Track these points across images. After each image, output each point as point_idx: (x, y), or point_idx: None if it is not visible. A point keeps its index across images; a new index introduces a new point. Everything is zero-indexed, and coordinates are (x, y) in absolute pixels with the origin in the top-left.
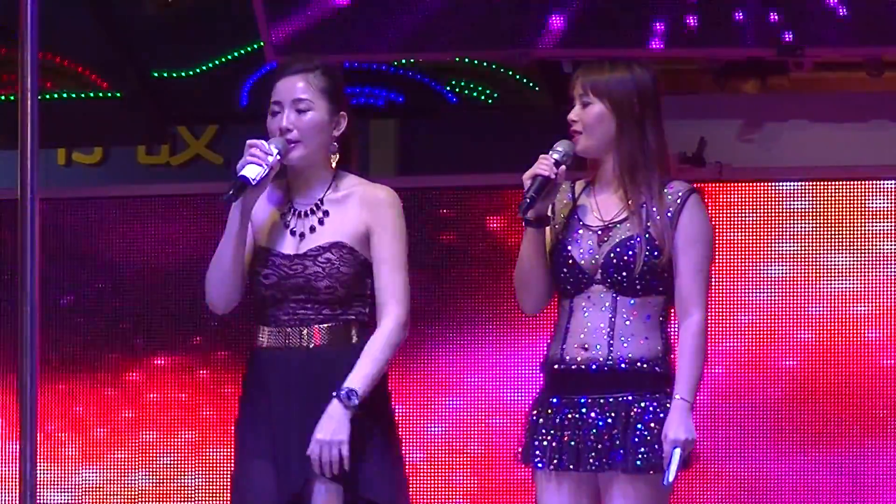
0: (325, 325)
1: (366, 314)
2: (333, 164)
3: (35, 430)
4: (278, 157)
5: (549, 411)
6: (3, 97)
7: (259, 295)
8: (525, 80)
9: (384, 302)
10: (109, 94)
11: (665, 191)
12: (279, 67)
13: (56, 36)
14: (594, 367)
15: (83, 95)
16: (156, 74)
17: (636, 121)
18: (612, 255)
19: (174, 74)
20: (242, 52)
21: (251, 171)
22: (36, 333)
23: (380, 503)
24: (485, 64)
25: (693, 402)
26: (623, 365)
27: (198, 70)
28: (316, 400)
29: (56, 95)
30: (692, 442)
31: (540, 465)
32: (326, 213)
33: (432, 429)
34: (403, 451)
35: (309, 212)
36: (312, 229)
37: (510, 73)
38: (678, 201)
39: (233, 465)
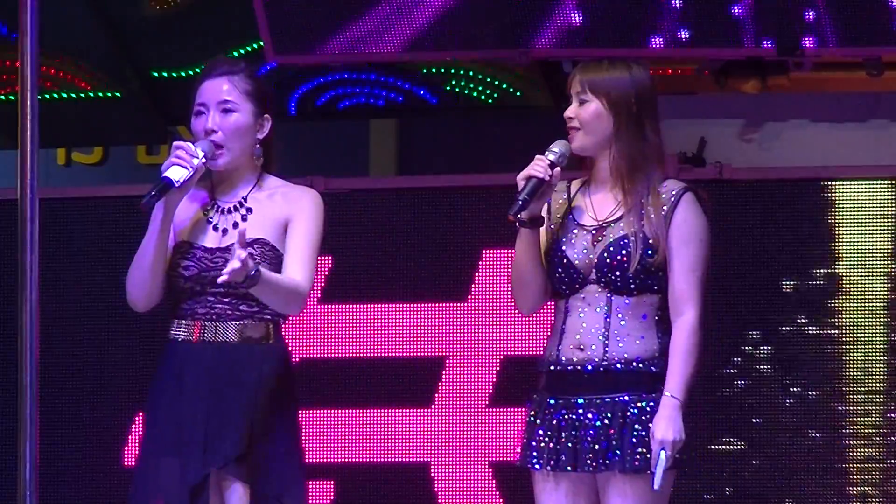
0: (241, 322)
1: (281, 316)
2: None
3: (35, 430)
4: (204, 159)
5: (546, 412)
6: (3, 97)
7: (178, 287)
8: (525, 80)
9: (294, 272)
10: (109, 94)
11: (659, 189)
12: (204, 69)
13: (56, 36)
14: (590, 367)
15: (83, 95)
16: (156, 74)
17: (634, 119)
18: (605, 254)
19: (174, 74)
20: (242, 52)
21: (175, 173)
22: (36, 333)
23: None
24: (485, 64)
25: (684, 401)
26: (619, 365)
27: (198, 70)
28: (223, 396)
29: (56, 95)
30: (681, 442)
31: (538, 465)
32: (249, 209)
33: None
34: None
35: (232, 208)
36: (235, 225)
37: (510, 73)
38: (672, 199)
39: (137, 454)
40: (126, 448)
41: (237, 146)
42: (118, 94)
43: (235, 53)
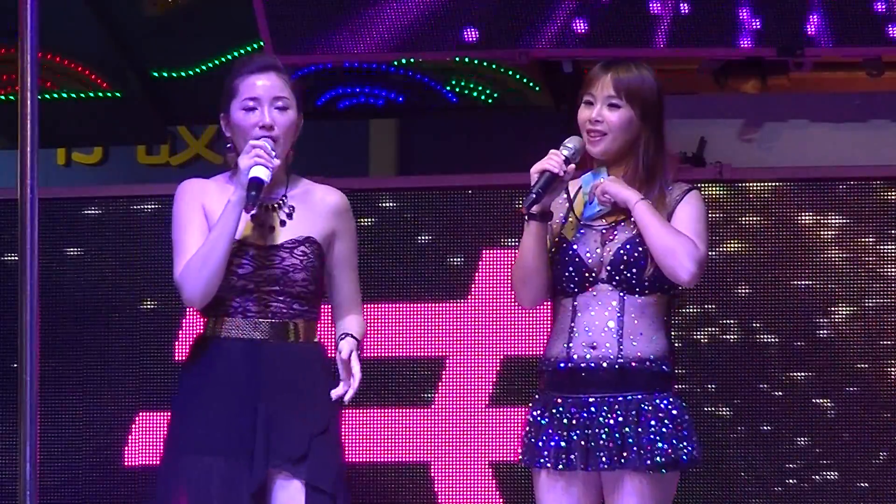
0: (297, 321)
1: (318, 315)
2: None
3: (35, 430)
4: (276, 158)
5: (555, 411)
6: (3, 97)
7: (228, 285)
8: (525, 80)
9: (351, 308)
10: (109, 94)
11: (666, 192)
12: (241, 64)
13: (56, 36)
14: (605, 365)
15: (83, 95)
16: (156, 74)
17: (658, 126)
18: (622, 252)
19: (174, 74)
20: (242, 52)
21: (262, 173)
22: (36, 333)
23: (338, 498)
24: (485, 64)
25: (635, 202)
26: (633, 364)
27: (198, 70)
28: (283, 394)
29: (56, 95)
30: (610, 185)
31: (548, 465)
32: (293, 208)
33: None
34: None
35: (276, 206)
36: (283, 223)
37: (510, 73)
38: (678, 197)
39: (167, 451)
40: (126, 448)
41: (287, 144)
42: (118, 94)
43: (235, 53)
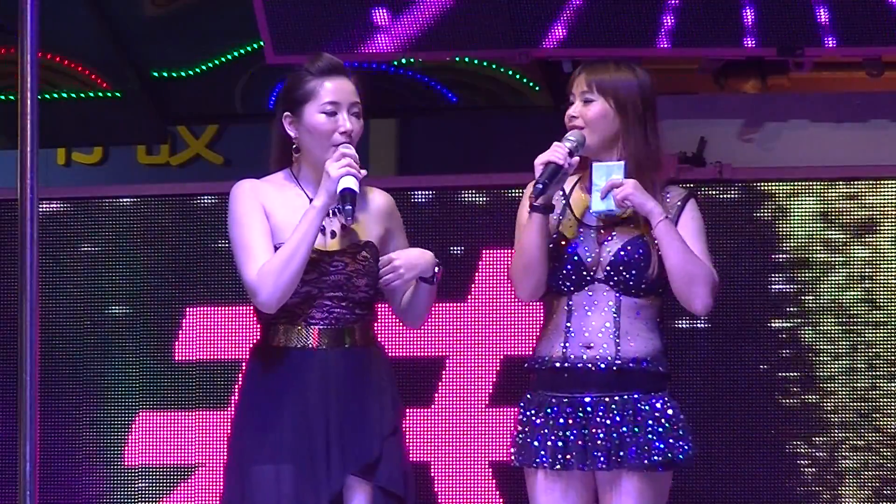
0: (358, 326)
1: (375, 316)
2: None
3: (35, 430)
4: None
5: (549, 411)
6: (3, 97)
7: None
8: (525, 80)
9: None
10: (109, 94)
11: (664, 194)
12: (314, 65)
13: (56, 36)
14: (602, 365)
15: (83, 95)
16: (156, 74)
17: (640, 121)
18: (622, 252)
19: (174, 74)
20: (242, 52)
21: (353, 183)
22: (35, 333)
23: (408, 500)
24: (485, 64)
25: (660, 219)
26: (631, 364)
27: (198, 70)
28: (353, 400)
29: (56, 95)
30: (634, 195)
31: (545, 465)
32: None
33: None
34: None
35: (336, 211)
36: (344, 228)
37: (510, 73)
38: (679, 204)
39: (235, 459)
40: (126, 448)
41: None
42: (118, 94)
43: (235, 53)
